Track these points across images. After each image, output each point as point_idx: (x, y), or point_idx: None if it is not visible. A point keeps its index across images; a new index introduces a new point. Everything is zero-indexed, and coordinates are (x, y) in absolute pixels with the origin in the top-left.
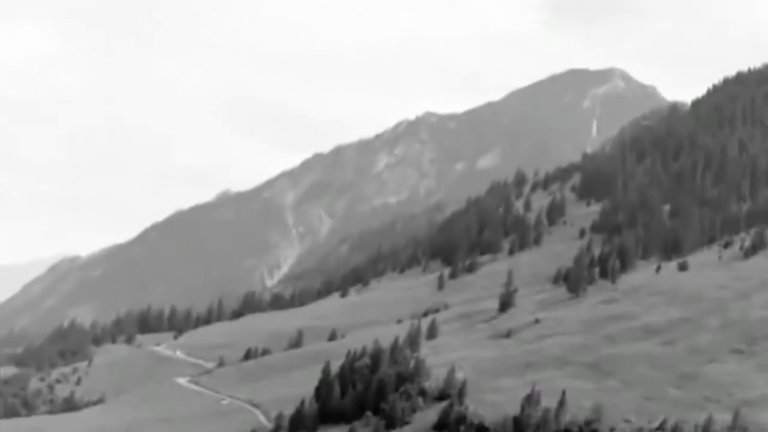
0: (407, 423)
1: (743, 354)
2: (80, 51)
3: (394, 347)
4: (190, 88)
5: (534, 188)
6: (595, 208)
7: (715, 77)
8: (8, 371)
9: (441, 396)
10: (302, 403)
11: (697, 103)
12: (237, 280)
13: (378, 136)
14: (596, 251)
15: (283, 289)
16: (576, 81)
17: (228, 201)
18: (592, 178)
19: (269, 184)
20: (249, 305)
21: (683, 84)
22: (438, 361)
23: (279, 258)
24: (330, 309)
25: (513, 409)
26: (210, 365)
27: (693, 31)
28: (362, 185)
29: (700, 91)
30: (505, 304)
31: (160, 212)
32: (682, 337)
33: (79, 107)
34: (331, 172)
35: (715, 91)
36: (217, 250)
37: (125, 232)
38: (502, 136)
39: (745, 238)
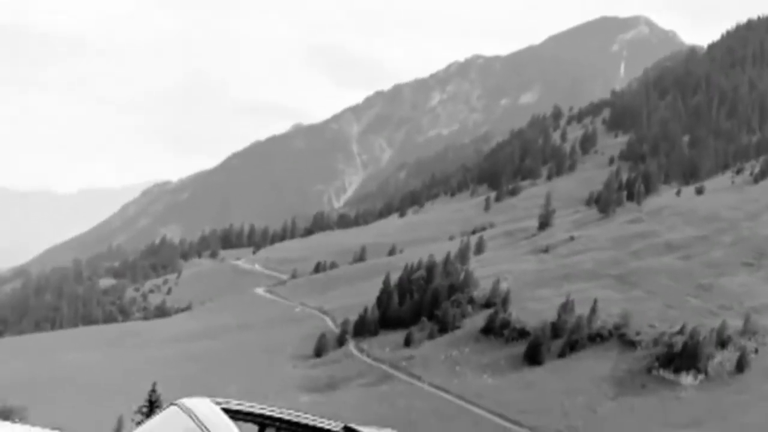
0: (458, 327)
1: (753, 267)
2: None
3: (447, 261)
4: (271, 33)
5: (569, 121)
6: (623, 139)
7: (729, 24)
8: (107, 282)
9: (487, 304)
10: (365, 310)
11: (712, 47)
12: (308, 202)
13: (432, 76)
14: (624, 177)
15: (349, 210)
16: (606, 27)
17: (300, 132)
18: (620, 112)
19: (336, 117)
20: (318, 224)
21: (700, 30)
22: (485, 273)
23: (345, 183)
24: (390, 227)
25: (551, 315)
26: (284, 277)
27: None
28: (418, 119)
29: (715, 36)
30: (544, 224)
31: (240, 143)
32: (699, 253)
33: (171, 49)
34: (390, 107)
35: (728, 36)
36: (291, 176)
37: (210, 160)
38: (541, 75)
39: (755, 165)
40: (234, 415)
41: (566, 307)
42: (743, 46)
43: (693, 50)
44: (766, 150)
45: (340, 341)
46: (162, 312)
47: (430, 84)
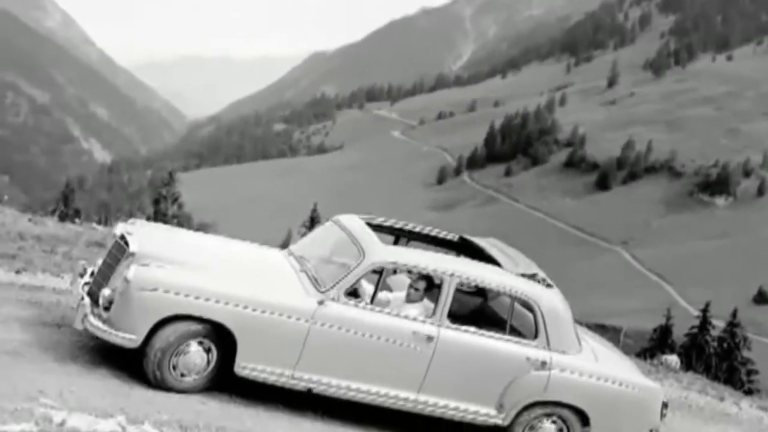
0: (546, 162)
1: None
2: None
3: (538, 111)
4: None
5: (630, 5)
6: (672, 18)
7: None
8: (279, 127)
9: (568, 143)
10: (475, 148)
11: None
12: (432, 66)
13: None
14: (672, 47)
15: (463, 72)
16: None
17: (426, 14)
18: None
19: (454, 3)
20: (441, 82)
21: None
22: (567, 120)
23: (461, 52)
24: (495, 85)
25: (616, 152)
26: (414, 123)
27: None
28: (516, 4)
29: None
30: (611, 82)
31: (379, 21)
32: (729, 104)
33: None
34: None
35: None
36: (418, 46)
37: (356, 35)
38: None
39: None
40: (375, 228)
41: (628, 146)
42: None
43: None
44: None
45: (457, 172)
46: (321, 150)
47: None
